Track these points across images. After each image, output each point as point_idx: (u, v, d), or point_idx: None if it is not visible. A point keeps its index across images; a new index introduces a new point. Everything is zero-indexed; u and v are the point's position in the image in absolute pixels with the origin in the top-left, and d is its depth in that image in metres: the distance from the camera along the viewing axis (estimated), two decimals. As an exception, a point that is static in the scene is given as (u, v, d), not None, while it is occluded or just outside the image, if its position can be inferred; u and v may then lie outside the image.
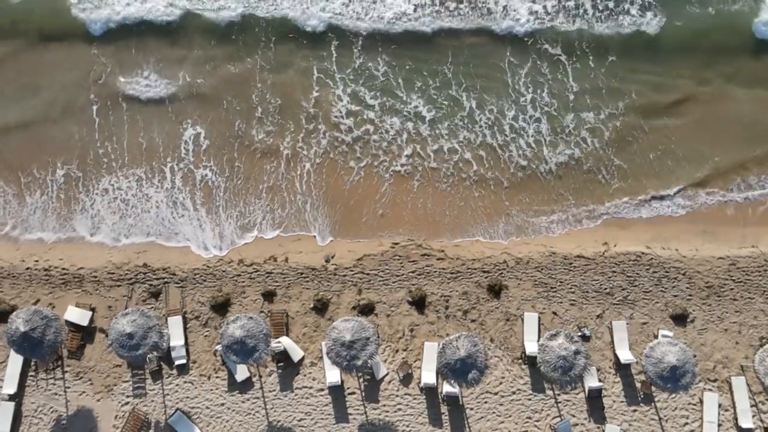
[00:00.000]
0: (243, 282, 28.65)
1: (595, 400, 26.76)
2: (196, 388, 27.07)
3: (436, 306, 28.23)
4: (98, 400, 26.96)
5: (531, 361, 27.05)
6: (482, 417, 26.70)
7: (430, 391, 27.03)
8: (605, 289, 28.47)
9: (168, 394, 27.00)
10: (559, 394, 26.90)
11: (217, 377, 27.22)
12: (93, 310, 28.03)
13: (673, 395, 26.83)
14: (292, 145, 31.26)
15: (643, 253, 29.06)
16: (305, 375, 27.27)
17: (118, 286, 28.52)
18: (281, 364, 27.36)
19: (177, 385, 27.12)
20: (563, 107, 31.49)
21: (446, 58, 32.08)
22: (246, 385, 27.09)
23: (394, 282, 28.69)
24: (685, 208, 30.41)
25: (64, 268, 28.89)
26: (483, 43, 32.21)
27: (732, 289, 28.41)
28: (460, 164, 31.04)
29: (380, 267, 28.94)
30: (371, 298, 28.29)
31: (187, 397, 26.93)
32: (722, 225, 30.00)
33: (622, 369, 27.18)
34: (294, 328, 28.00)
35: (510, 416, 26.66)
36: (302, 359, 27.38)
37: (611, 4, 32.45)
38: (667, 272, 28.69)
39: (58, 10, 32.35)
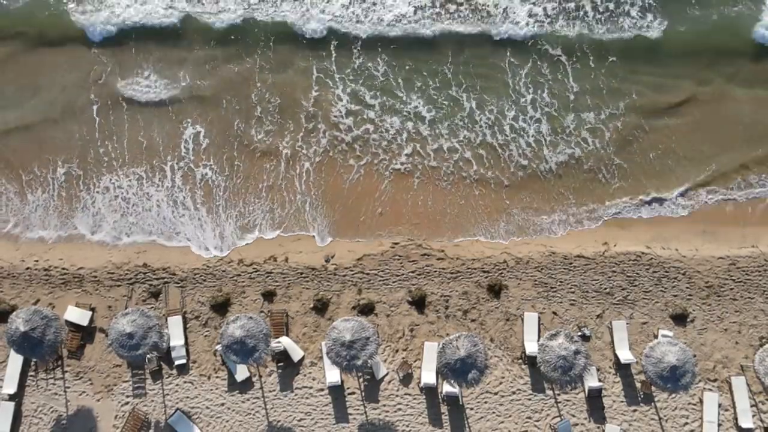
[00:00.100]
0: (243, 282, 28.65)
1: (595, 400, 26.76)
2: (196, 388, 27.07)
3: (436, 306, 28.23)
4: (98, 400, 26.96)
5: (531, 361, 27.04)
6: (482, 417, 26.70)
7: (430, 391, 27.03)
8: (605, 289, 28.47)
9: (168, 394, 27.00)
10: (559, 394, 26.89)
11: (217, 377, 27.22)
12: (93, 310, 28.03)
13: (673, 395, 26.83)
14: (291, 145, 31.26)
15: (643, 253, 29.06)
16: (305, 375, 27.27)
17: (118, 286, 28.52)
18: (281, 364, 27.36)
19: (177, 385, 27.12)
20: (563, 107, 31.49)
21: (446, 58, 32.08)
22: (246, 385, 27.09)
23: (394, 282, 28.69)
24: (686, 208, 30.42)
25: (64, 268, 28.89)
26: (483, 43, 32.19)
27: (732, 288, 28.42)
28: (460, 163, 31.05)
29: (380, 267, 28.93)
30: (371, 298, 28.29)
31: (187, 397, 26.93)
32: (722, 225, 30.00)
33: (622, 369, 27.18)
34: (294, 328, 28.00)
35: (510, 416, 26.66)
36: (302, 359, 27.39)
37: (611, 5, 32.43)
38: (667, 272, 28.69)
39: (58, 14, 32.36)
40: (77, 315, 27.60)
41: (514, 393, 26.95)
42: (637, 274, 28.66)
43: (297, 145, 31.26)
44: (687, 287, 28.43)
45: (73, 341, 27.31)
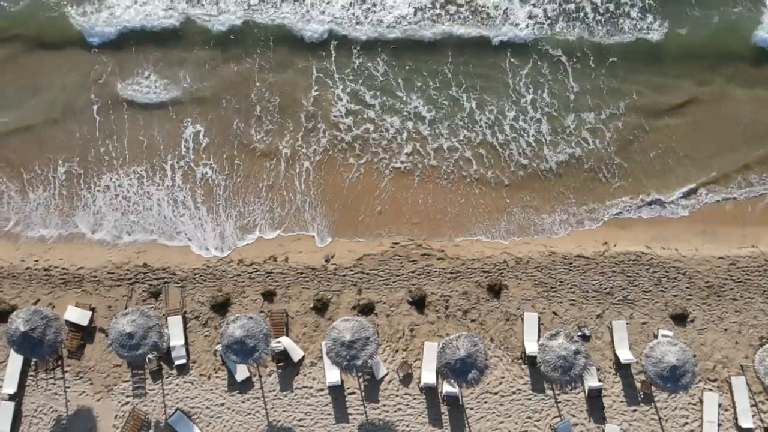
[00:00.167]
0: (243, 282, 28.65)
1: (595, 399, 26.76)
2: (196, 388, 27.07)
3: (436, 306, 28.23)
4: (98, 400, 26.96)
5: (531, 361, 27.04)
6: (482, 417, 26.70)
7: (430, 391, 27.03)
8: (605, 288, 28.47)
9: (168, 394, 27.00)
10: (559, 394, 26.90)
11: (217, 377, 27.22)
12: (93, 309, 28.03)
13: (673, 395, 26.83)
14: (291, 144, 31.27)
15: (643, 252, 29.06)
16: (305, 375, 27.26)
17: (118, 285, 28.52)
18: (281, 364, 27.36)
19: (177, 385, 27.11)
20: (564, 108, 31.49)
21: (446, 58, 32.08)
22: (246, 385, 27.09)
23: (394, 282, 28.68)
24: (686, 208, 30.43)
25: (63, 268, 28.89)
26: (483, 44, 32.18)
27: (732, 288, 28.42)
28: (460, 162, 31.05)
29: (380, 267, 28.93)
30: (371, 298, 28.29)
31: (187, 397, 26.93)
32: (722, 225, 30.01)
33: (622, 369, 27.18)
34: (294, 328, 28.00)
35: (510, 416, 26.66)
36: (302, 359, 27.38)
37: (611, 6, 32.43)
38: (667, 272, 28.69)
39: (58, 16, 32.36)
40: (77, 315, 27.60)
41: (514, 393, 26.95)
42: (637, 274, 28.67)
43: (297, 144, 31.27)
44: (687, 287, 28.44)
45: (73, 341, 27.31)
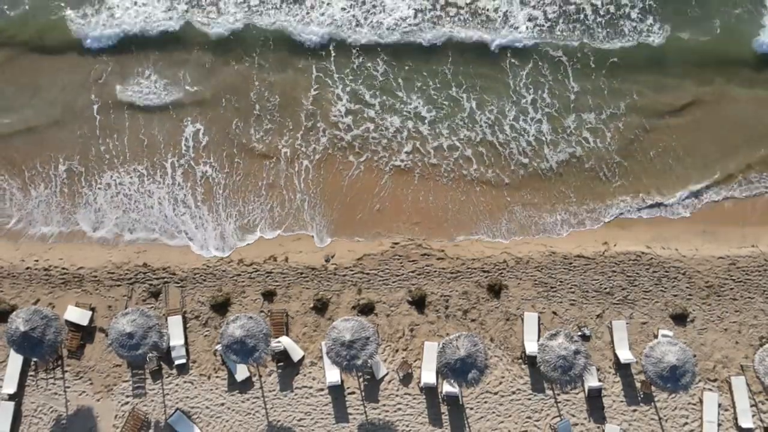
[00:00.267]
0: (243, 282, 28.65)
1: (594, 399, 26.76)
2: (196, 387, 27.07)
3: (436, 306, 28.23)
4: (98, 400, 26.96)
5: (531, 361, 27.04)
6: (482, 417, 26.70)
7: (430, 391, 27.03)
8: (605, 288, 28.47)
9: (168, 394, 27.00)
10: (558, 394, 26.90)
11: (217, 377, 27.22)
12: (93, 309, 28.03)
13: (673, 395, 26.83)
14: (291, 143, 31.29)
15: (643, 252, 29.06)
16: (305, 375, 27.27)
17: (118, 285, 28.52)
18: (281, 363, 27.36)
19: (177, 384, 27.11)
20: (564, 108, 31.49)
21: (446, 58, 32.09)
22: (246, 385, 27.08)
23: (394, 282, 28.68)
24: (687, 208, 30.43)
25: (63, 268, 28.89)
26: (483, 44, 32.17)
27: (732, 288, 28.42)
28: (460, 161, 31.06)
29: (380, 267, 28.93)
30: (371, 298, 28.29)
31: (187, 397, 26.93)
32: (722, 225, 30.00)
33: (622, 369, 27.18)
34: (294, 327, 28.00)
35: (510, 416, 26.66)
36: (302, 359, 27.38)
37: (612, 8, 32.44)
38: (667, 272, 28.69)
39: (59, 19, 32.46)
40: (77, 315, 27.59)
41: (514, 393, 26.95)
42: (637, 273, 28.66)
43: (296, 143, 31.28)
44: (687, 287, 28.44)
45: (73, 341, 27.31)
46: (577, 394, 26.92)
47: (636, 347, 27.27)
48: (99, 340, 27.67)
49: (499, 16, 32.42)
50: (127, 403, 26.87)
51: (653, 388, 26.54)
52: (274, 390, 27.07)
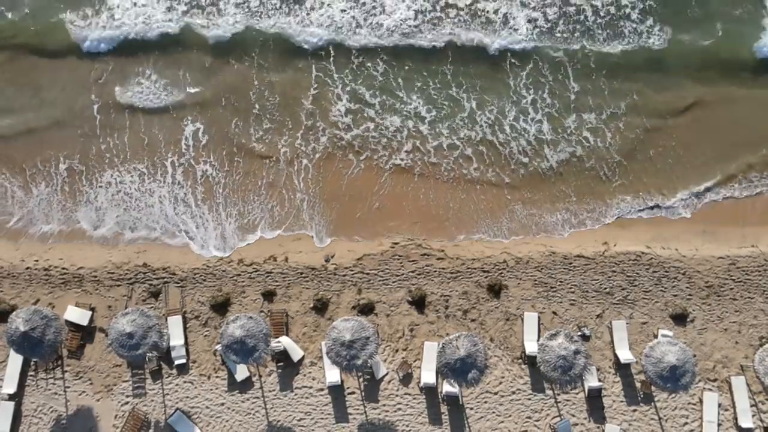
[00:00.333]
0: (243, 282, 28.65)
1: (594, 399, 26.76)
2: (195, 387, 27.07)
3: (436, 306, 28.23)
4: (98, 400, 26.96)
5: (531, 361, 27.04)
6: (482, 417, 26.70)
7: (429, 391, 27.03)
8: (605, 288, 28.47)
9: (168, 394, 27.00)
10: (558, 394, 26.89)
11: (216, 377, 27.22)
12: (93, 309, 28.03)
13: (673, 395, 26.82)
14: (290, 143, 31.31)
15: (643, 252, 29.06)
16: (305, 375, 27.26)
17: (118, 285, 28.52)
18: (281, 363, 27.36)
19: (177, 384, 27.11)
20: (564, 108, 31.49)
21: (446, 58, 32.09)
22: (246, 385, 27.08)
23: (394, 282, 28.68)
24: (687, 208, 30.43)
25: (63, 268, 28.89)
26: (483, 47, 32.20)
27: (732, 288, 28.41)
28: (460, 160, 31.07)
29: (380, 267, 28.93)
30: (371, 298, 28.29)
31: (187, 397, 26.92)
32: (722, 225, 30.00)
33: (622, 369, 27.17)
34: (294, 327, 28.00)
35: (510, 416, 26.66)
36: (302, 359, 27.38)
37: (612, 9, 32.42)
38: (667, 272, 28.69)
39: (59, 22, 32.55)
40: (77, 315, 27.59)
41: (513, 393, 26.95)
42: (637, 273, 28.66)
43: (296, 143, 31.30)
44: (687, 287, 28.43)
45: (73, 341, 27.30)
46: (577, 394, 26.92)
47: (636, 347, 27.27)
48: (99, 340, 27.67)
49: (499, 18, 32.40)
50: (127, 403, 26.87)
51: (653, 388, 26.54)
52: (274, 390, 27.07)
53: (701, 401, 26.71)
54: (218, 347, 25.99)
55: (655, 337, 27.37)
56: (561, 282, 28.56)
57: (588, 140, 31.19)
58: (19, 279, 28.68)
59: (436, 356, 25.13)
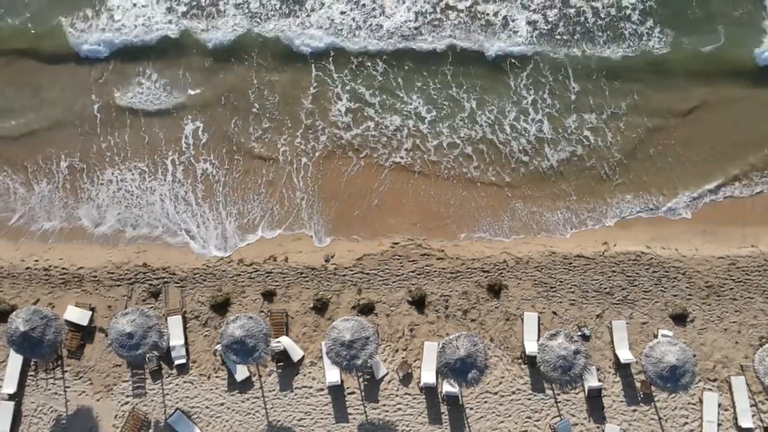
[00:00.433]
0: (243, 282, 28.65)
1: (594, 399, 26.76)
2: (195, 387, 27.07)
3: (436, 306, 28.23)
4: (98, 400, 26.96)
5: (531, 361, 27.04)
6: (482, 417, 26.71)
7: (429, 391, 27.03)
8: (605, 288, 28.47)
9: (168, 394, 27.00)
10: (558, 394, 26.90)
11: (216, 377, 27.22)
12: (93, 309, 28.03)
13: (673, 395, 26.83)
14: (290, 142, 31.34)
15: (643, 252, 29.05)
16: (305, 375, 27.27)
17: (118, 285, 28.52)
18: (281, 363, 27.36)
19: (177, 384, 27.11)
20: (565, 108, 31.48)
21: (446, 59, 32.07)
22: (246, 385, 27.09)
23: (393, 282, 28.68)
24: (687, 208, 30.42)
25: (63, 268, 28.89)
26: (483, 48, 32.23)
27: (732, 288, 28.41)
28: (460, 159, 31.07)
29: (380, 267, 28.93)
30: (371, 298, 28.29)
31: (187, 397, 26.93)
32: (722, 225, 29.99)
33: (622, 369, 27.18)
34: (294, 327, 28.00)
35: (510, 416, 26.66)
36: (302, 359, 27.38)
37: (612, 11, 32.38)
38: (666, 272, 28.69)
39: (59, 25, 32.65)
40: (77, 315, 27.59)
41: (513, 393, 26.95)
42: (637, 274, 28.66)
43: (296, 141, 31.32)
44: (687, 287, 28.43)
45: (73, 341, 27.31)
46: (577, 394, 26.92)
47: (636, 347, 27.27)
48: (99, 340, 27.67)
49: (499, 20, 32.33)
50: (127, 403, 26.87)
51: (653, 388, 26.54)
52: (274, 390, 27.07)
53: (701, 401, 26.71)
54: (218, 347, 25.99)
55: (655, 337, 27.37)
56: (561, 282, 28.56)
57: (588, 139, 31.18)
58: (19, 279, 28.68)
59: (436, 356, 25.13)
